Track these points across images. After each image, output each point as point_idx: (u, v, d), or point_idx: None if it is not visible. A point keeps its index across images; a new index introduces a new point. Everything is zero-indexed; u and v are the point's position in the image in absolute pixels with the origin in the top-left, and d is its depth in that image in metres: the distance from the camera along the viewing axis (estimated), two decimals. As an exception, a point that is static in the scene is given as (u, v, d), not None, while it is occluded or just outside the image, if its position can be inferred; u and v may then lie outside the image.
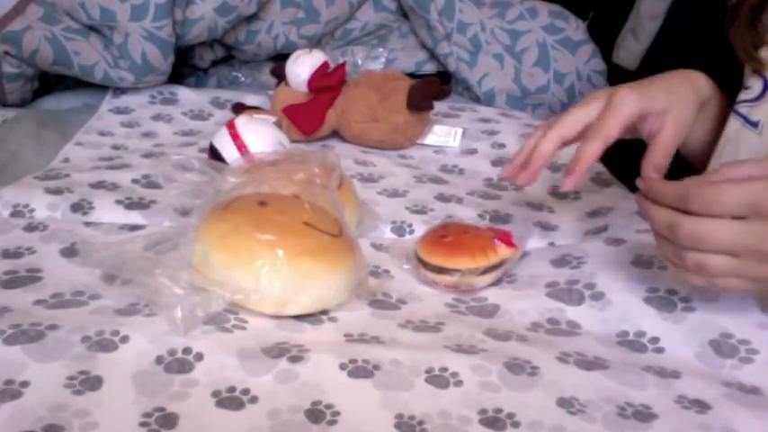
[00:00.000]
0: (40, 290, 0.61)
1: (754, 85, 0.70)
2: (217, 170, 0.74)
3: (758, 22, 0.69)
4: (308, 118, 1.00)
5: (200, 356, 0.54)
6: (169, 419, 0.49)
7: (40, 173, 0.84)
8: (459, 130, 1.05)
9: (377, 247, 0.74)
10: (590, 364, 0.57)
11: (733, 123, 0.71)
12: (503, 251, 0.68)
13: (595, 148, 0.65)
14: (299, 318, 0.60)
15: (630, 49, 1.38)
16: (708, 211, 0.53)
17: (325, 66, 1.01)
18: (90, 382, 0.51)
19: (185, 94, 1.14)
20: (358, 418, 0.50)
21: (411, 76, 1.07)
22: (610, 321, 0.63)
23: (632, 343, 0.61)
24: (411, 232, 0.79)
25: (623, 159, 0.77)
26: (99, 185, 0.81)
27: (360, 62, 1.30)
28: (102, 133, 1.00)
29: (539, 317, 0.64)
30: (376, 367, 0.55)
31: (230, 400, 0.51)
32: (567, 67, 1.25)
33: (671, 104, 0.67)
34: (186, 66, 1.27)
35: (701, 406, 0.53)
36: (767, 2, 0.69)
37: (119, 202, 0.78)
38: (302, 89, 1.01)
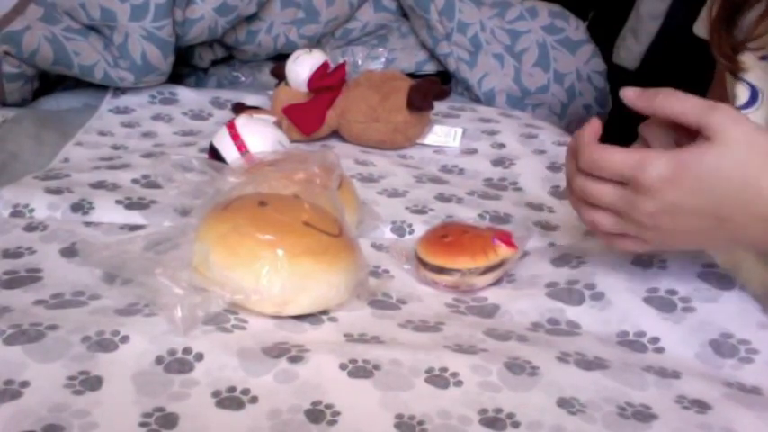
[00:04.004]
0: (40, 290, 0.61)
1: (740, 93, 0.69)
2: (217, 170, 0.74)
3: (735, 26, 0.69)
4: (308, 118, 1.00)
5: (200, 356, 0.54)
6: (169, 419, 0.49)
7: (40, 173, 0.84)
8: (459, 130, 1.05)
9: (377, 247, 0.74)
10: (590, 364, 0.57)
11: None
12: (503, 251, 0.68)
13: None
14: (299, 318, 0.60)
15: (630, 49, 1.38)
16: (591, 171, 0.58)
17: (325, 66, 1.01)
18: (90, 382, 0.51)
19: (185, 94, 1.14)
20: (358, 418, 0.50)
21: (411, 76, 1.07)
22: (610, 321, 0.63)
23: (632, 343, 0.61)
24: (411, 232, 0.79)
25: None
26: (99, 185, 0.81)
27: (360, 62, 1.30)
28: (102, 133, 1.00)
29: (539, 317, 0.64)
30: (376, 367, 0.55)
31: (230, 400, 0.51)
32: (567, 67, 1.25)
33: None
34: (186, 66, 1.27)
35: (700, 406, 0.53)
36: (743, 6, 0.68)
37: (119, 202, 0.78)
38: (302, 89, 1.01)
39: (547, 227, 0.81)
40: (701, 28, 0.79)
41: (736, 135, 0.54)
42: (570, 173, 0.61)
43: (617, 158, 0.57)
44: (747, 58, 0.70)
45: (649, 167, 0.55)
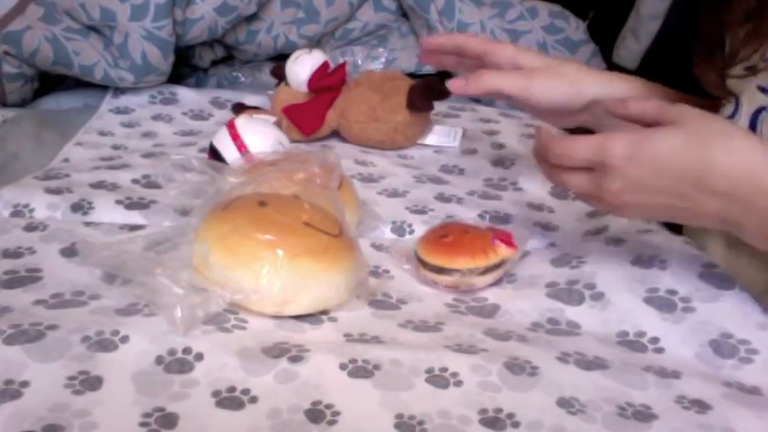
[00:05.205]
0: (40, 290, 0.61)
1: (727, 104, 0.71)
2: (217, 170, 0.74)
3: (719, 53, 0.70)
4: (308, 118, 1.00)
5: (200, 356, 0.54)
6: (169, 419, 0.49)
7: (40, 173, 0.84)
8: (460, 130, 1.05)
9: (377, 247, 0.74)
10: (590, 364, 0.57)
11: None
12: (503, 251, 0.68)
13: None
14: (299, 318, 0.60)
15: (630, 49, 1.38)
16: (562, 163, 0.62)
17: (325, 66, 1.01)
18: (90, 382, 0.51)
19: (185, 94, 1.14)
20: (358, 418, 0.50)
21: (411, 76, 1.07)
22: (610, 321, 0.63)
23: (632, 343, 0.61)
24: (411, 232, 0.79)
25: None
26: (99, 185, 0.81)
27: (360, 62, 1.30)
28: (102, 133, 1.00)
29: (539, 317, 0.64)
30: (376, 367, 0.55)
31: (230, 400, 0.51)
32: (567, 67, 1.25)
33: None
34: (186, 66, 1.27)
35: (701, 406, 0.53)
36: (725, 30, 0.69)
37: (119, 202, 0.78)
38: (302, 89, 1.01)
39: (547, 227, 0.81)
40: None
41: (692, 117, 0.59)
42: (545, 170, 0.65)
43: (580, 145, 0.61)
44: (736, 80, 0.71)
45: (611, 148, 0.59)
